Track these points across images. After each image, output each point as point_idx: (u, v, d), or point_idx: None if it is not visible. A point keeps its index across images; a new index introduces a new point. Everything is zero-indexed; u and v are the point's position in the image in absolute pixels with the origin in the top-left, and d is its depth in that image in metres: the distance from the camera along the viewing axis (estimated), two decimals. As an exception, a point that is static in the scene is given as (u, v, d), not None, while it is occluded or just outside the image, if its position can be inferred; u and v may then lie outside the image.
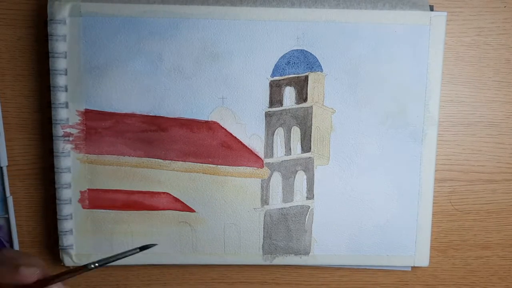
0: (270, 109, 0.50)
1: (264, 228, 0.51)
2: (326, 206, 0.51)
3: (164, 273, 0.54)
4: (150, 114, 0.49)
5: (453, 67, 0.52)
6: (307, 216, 0.51)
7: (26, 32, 0.50)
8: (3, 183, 0.50)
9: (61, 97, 0.48)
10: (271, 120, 0.50)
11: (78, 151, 0.49)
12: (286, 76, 0.49)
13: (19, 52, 0.50)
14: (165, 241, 0.49)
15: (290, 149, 0.50)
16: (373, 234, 0.51)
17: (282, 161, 0.50)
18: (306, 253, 0.51)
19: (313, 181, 0.51)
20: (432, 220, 0.51)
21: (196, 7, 0.48)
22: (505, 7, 0.51)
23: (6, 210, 0.50)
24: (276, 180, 0.51)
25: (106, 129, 0.49)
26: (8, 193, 0.50)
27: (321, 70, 0.49)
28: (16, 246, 0.51)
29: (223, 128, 0.50)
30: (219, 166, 0.50)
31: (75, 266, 0.49)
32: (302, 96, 0.50)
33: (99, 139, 0.49)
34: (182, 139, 0.50)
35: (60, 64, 0.48)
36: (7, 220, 0.51)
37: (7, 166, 0.50)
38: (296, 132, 0.50)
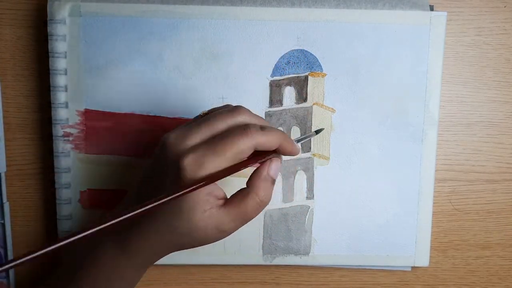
0: (270, 109, 0.50)
1: (264, 228, 0.51)
2: (326, 206, 0.51)
3: (164, 273, 0.53)
4: (150, 114, 0.49)
5: (453, 67, 0.52)
6: (307, 216, 0.51)
7: (26, 32, 0.50)
8: (0, 188, 0.50)
9: (61, 97, 0.48)
10: (271, 120, 0.50)
11: (78, 151, 0.49)
12: (286, 76, 0.49)
13: (19, 52, 0.50)
14: (165, 241, 0.49)
15: (290, 149, 0.50)
16: (373, 234, 0.51)
17: (282, 161, 0.50)
18: (306, 253, 0.51)
19: (313, 181, 0.51)
20: (432, 220, 0.51)
21: (196, 7, 0.48)
22: (505, 7, 0.51)
23: (3, 216, 0.50)
24: (276, 180, 0.50)
25: (106, 129, 0.49)
26: (5, 199, 0.50)
27: (321, 70, 0.49)
28: (10, 252, 0.51)
29: (223, 128, 0.49)
30: (219, 166, 0.50)
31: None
32: (302, 96, 0.50)
33: (99, 139, 0.49)
34: (182, 139, 0.49)
35: (60, 64, 0.48)
36: (3, 226, 0.50)
37: (5, 171, 0.50)
38: (296, 132, 0.50)
